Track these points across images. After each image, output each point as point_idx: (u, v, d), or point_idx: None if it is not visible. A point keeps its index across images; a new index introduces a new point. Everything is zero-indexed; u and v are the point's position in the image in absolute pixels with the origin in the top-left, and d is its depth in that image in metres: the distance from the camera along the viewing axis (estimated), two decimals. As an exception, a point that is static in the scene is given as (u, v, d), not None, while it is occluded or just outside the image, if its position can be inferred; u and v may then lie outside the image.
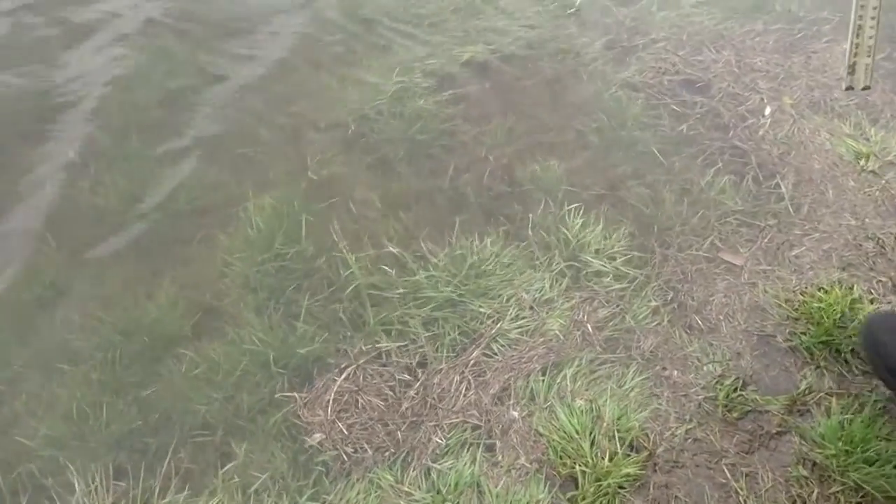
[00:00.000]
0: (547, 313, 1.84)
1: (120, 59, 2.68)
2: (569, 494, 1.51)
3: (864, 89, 1.38)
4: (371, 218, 2.11)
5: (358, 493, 1.53)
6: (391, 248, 1.99)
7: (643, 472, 1.54)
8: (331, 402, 1.67)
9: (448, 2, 2.98)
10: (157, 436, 1.64)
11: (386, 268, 1.94)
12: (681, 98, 2.51)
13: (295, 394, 1.70)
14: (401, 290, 1.89)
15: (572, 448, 1.56)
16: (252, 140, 2.38)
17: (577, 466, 1.52)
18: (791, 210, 2.11)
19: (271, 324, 1.85)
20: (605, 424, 1.60)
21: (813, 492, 1.47)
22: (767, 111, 2.46)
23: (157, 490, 1.54)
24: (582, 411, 1.63)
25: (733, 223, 2.09)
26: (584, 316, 1.84)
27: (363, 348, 1.77)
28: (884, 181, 2.19)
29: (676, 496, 1.50)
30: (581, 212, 2.10)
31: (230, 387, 1.73)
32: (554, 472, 1.55)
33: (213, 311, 1.91)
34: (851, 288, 1.85)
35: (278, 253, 2.01)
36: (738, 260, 1.99)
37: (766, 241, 2.04)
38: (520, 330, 1.81)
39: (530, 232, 2.05)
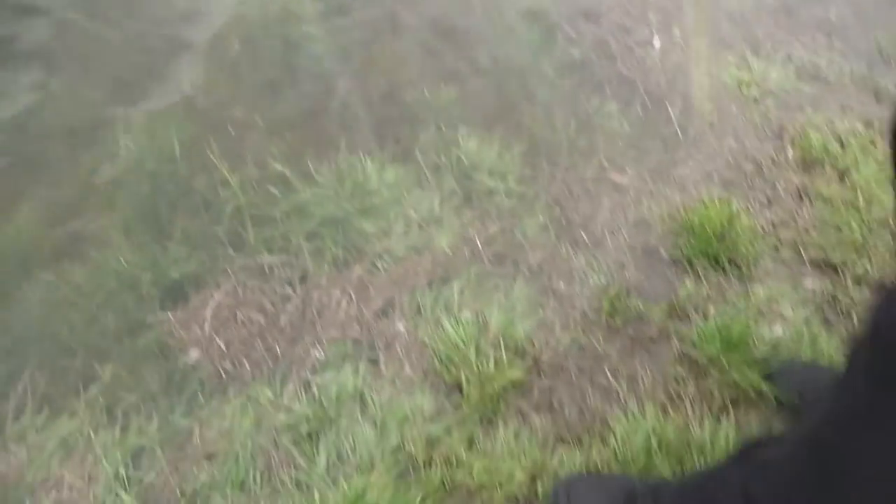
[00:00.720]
0: (435, 231, 1.80)
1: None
2: (454, 400, 1.48)
3: None
4: (253, 139, 2.01)
5: (234, 409, 1.46)
6: (276, 166, 1.89)
7: (528, 377, 1.53)
8: (208, 318, 1.58)
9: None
10: (7, 361, 1.50)
11: (270, 187, 1.85)
12: (575, 26, 2.50)
13: (168, 313, 1.59)
14: (284, 208, 1.80)
15: (458, 357, 1.53)
16: (122, 59, 2.21)
17: (463, 373, 1.50)
18: (679, 133, 2.15)
19: (141, 245, 1.73)
20: (491, 334, 1.58)
21: (689, 387, 1.51)
22: (657, 43, 2.49)
23: (9, 414, 1.42)
24: (468, 322, 1.61)
25: (621, 146, 2.10)
26: (473, 233, 1.81)
27: (243, 263, 1.68)
28: (763, 107, 2.26)
29: (560, 398, 1.51)
30: (476, 134, 2.06)
31: (94, 309, 1.61)
32: (439, 381, 1.52)
33: (77, 234, 1.77)
34: (730, 203, 1.89)
35: (149, 173, 1.88)
36: (624, 179, 2.00)
37: (652, 162, 2.06)
38: (407, 247, 1.76)
39: (419, 153, 1.99)
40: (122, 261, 1.68)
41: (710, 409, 1.47)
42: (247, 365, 1.53)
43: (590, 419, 1.49)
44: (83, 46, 2.23)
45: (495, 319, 1.61)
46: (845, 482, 0.75)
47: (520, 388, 1.51)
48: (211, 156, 1.92)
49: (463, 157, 1.99)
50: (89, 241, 1.75)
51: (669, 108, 2.22)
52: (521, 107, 2.20)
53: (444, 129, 2.09)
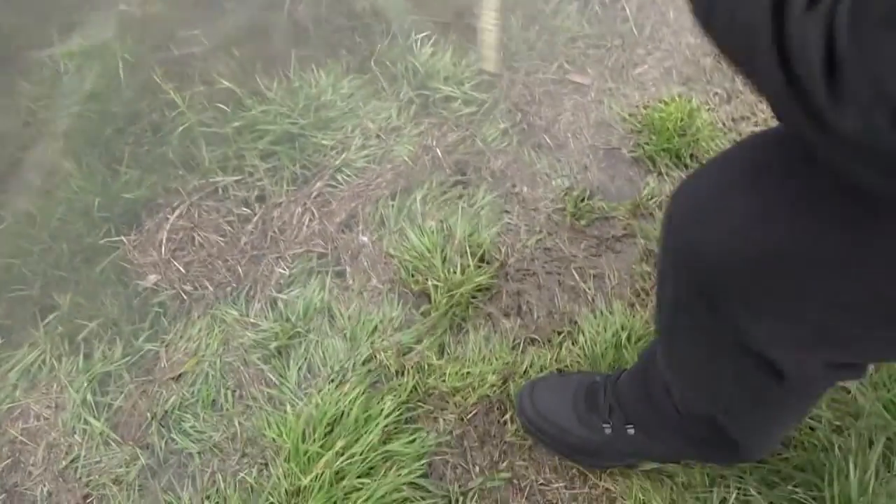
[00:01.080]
0: (395, 141, 1.76)
1: None
2: (422, 308, 1.48)
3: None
4: (198, 56, 1.92)
5: (200, 330, 1.44)
6: (224, 83, 1.81)
7: (495, 280, 1.53)
8: (164, 241, 1.53)
9: None
10: (-40, 293, 1.45)
11: (220, 104, 1.78)
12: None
13: (122, 237, 1.55)
14: (236, 124, 1.74)
15: (424, 266, 1.52)
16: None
17: (430, 282, 1.49)
18: (635, 31, 2.10)
19: (90, 171, 1.66)
20: (456, 242, 1.57)
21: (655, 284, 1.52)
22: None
23: (-36, 348, 1.38)
24: (433, 231, 1.59)
25: (581, 46, 2.06)
26: (433, 141, 1.78)
27: (197, 184, 1.63)
28: (722, 1, 2.21)
29: (528, 301, 1.51)
30: (430, 42, 1.99)
31: (47, 238, 1.55)
32: (406, 290, 1.51)
33: (19, 162, 1.70)
34: (690, 100, 1.88)
35: (92, 96, 1.79)
36: (585, 79, 1.97)
37: (611, 61, 2.02)
38: (366, 159, 1.72)
39: (373, 64, 1.93)
40: (72, 187, 1.61)
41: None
42: (209, 286, 1.50)
43: (559, 320, 1.50)
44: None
45: (460, 227, 1.60)
46: None
47: (487, 293, 1.51)
48: (155, 77, 1.83)
49: (418, 66, 1.93)
50: (35, 170, 1.68)
51: (626, 6, 2.17)
52: (475, 11, 2.13)
53: (398, 37, 2.01)
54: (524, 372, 1.40)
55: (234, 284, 1.51)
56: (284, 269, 1.52)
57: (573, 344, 1.45)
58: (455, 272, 1.50)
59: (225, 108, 1.78)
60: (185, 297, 1.48)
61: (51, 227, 1.56)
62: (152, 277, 1.49)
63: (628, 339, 1.41)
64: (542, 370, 1.40)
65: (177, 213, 1.58)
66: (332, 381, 1.38)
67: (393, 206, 1.64)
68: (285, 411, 1.33)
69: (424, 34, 2.02)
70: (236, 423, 1.33)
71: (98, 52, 1.89)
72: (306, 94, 1.82)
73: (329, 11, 2.07)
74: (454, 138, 1.79)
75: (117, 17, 1.98)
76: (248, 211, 1.61)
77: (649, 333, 1.41)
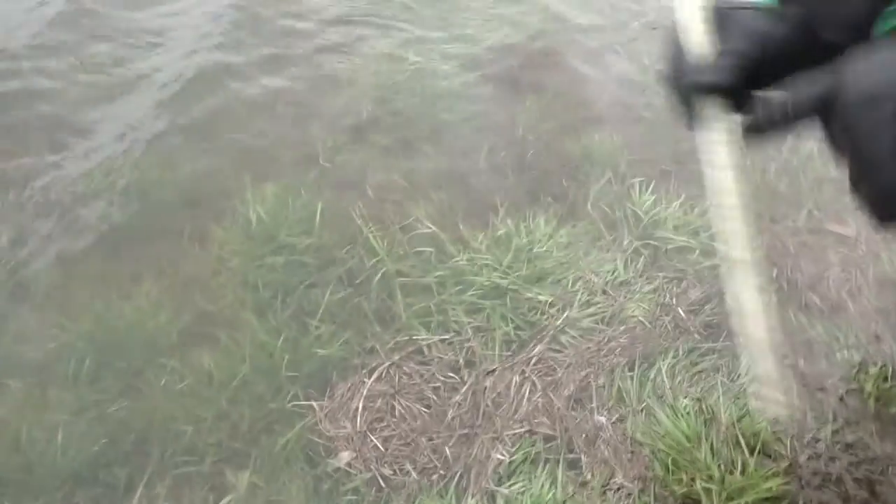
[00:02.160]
0: (625, 297, 1.47)
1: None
2: (692, 521, 1.10)
3: None
4: (396, 201, 1.76)
5: (400, 531, 1.12)
6: (426, 227, 1.62)
7: (788, 487, 1.13)
8: (360, 409, 1.27)
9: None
10: (127, 464, 1.23)
11: (423, 248, 1.57)
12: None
13: (312, 403, 1.30)
14: (438, 274, 1.51)
15: (685, 459, 1.16)
16: (248, 128, 2.03)
17: (698, 482, 1.12)
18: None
19: (278, 325, 1.47)
20: (723, 428, 1.20)
21: None
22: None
23: (124, 534, 1.13)
24: (689, 412, 1.23)
25: (831, 191, 1.73)
26: (671, 299, 1.47)
27: (396, 342, 1.39)
28: None
29: (839, 518, 1.10)
30: (649, 187, 1.74)
31: (224, 402, 1.33)
32: (666, 493, 1.14)
33: (205, 314, 1.53)
34: None
35: (285, 245, 1.64)
36: (849, 230, 1.62)
37: (877, 208, 1.67)
38: (593, 318, 1.43)
39: (590, 209, 1.69)
40: (257, 343, 1.41)
41: None
42: (412, 471, 1.20)
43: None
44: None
45: (724, 409, 1.23)
46: None
47: (780, 503, 1.11)
48: (351, 221, 1.67)
49: (640, 213, 1.66)
50: (219, 323, 1.50)
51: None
52: (696, 155, 1.87)
53: (612, 182, 1.78)
54: None
55: (442, 471, 1.20)
56: (503, 455, 1.21)
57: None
58: (733, 471, 1.13)
59: (426, 255, 1.57)
60: (382, 483, 1.19)
61: (230, 388, 1.35)
62: (345, 455, 1.22)
63: None
64: None
65: (374, 375, 1.32)
66: None
67: (632, 377, 1.31)
68: None
69: (641, 179, 1.77)
70: None
71: (291, 198, 1.77)
72: (516, 244, 1.58)
73: (533, 155, 1.88)
74: (697, 296, 1.47)
75: (315, 166, 1.87)
76: (456, 378, 1.33)
77: None
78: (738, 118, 0.59)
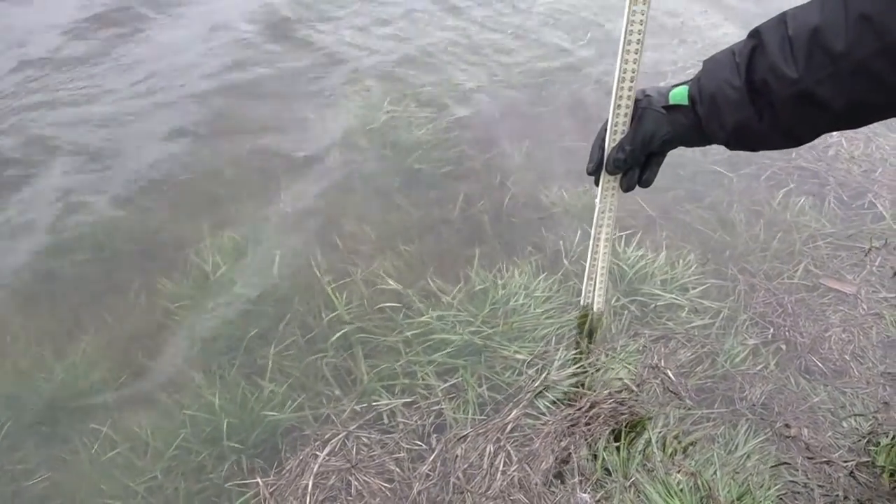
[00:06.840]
0: (609, 357, 1.33)
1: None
2: None
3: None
4: (364, 253, 1.63)
5: None
6: (390, 284, 1.49)
7: (799, 579, 0.98)
8: (310, 488, 1.11)
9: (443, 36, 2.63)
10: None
11: (387, 305, 1.44)
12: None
13: (257, 479, 1.14)
14: (405, 334, 1.38)
15: (680, 545, 1.01)
16: (211, 176, 1.91)
17: (696, 574, 0.97)
18: (896, 229, 1.67)
19: (224, 384, 1.32)
20: (721, 508, 1.06)
21: None
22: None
23: None
24: (683, 489, 1.09)
25: (825, 247, 1.63)
26: (660, 360, 1.34)
27: (355, 409, 1.24)
28: None
29: None
30: (635, 239, 1.63)
31: (159, 473, 1.17)
32: (659, 585, 0.99)
33: (145, 372, 1.38)
34: None
35: (237, 295, 1.50)
36: (848, 288, 1.51)
37: (876, 265, 1.57)
38: (573, 380, 1.29)
39: (566, 262, 1.57)
40: (201, 404, 1.26)
41: None
42: (368, 558, 1.04)
43: None
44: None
45: (723, 484, 1.09)
46: None
47: None
48: (314, 273, 1.54)
49: (625, 267, 1.55)
50: (160, 381, 1.35)
51: (875, 202, 1.76)
52: (682, 205, 1.77)
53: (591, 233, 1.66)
54: None
55: (404, 558, 1.04)
56: (473, 538, 1.05)
57: None
58: (734, 560, 0.98)
59: (392, 312, 1.43)
60: (332, 573, 1.02)
61: (166, 457, 1.19)
62: (289, 541, 1.05)
63: None
64: None
65: (328, 447, 1.17)
66: None
67: (619, 448, 1.17)
68: None
69: (626, 233, 1.66)
70: None
71: (250, 246, 1.64)
72: (492, 299, 1.45)
73: (510, 205, 1.77)
74: (687, 357, 1.35)
75: (276, 213, 1.75)
76: (423, 445, 1.19)
77: None
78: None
